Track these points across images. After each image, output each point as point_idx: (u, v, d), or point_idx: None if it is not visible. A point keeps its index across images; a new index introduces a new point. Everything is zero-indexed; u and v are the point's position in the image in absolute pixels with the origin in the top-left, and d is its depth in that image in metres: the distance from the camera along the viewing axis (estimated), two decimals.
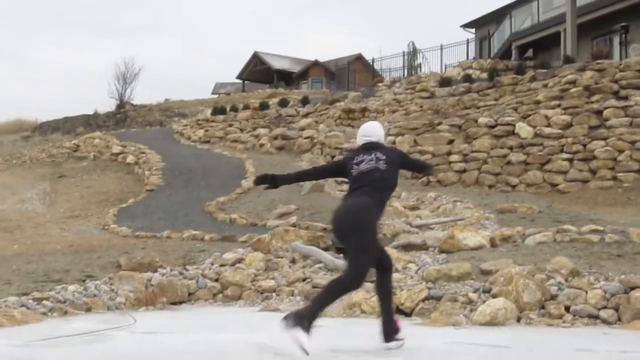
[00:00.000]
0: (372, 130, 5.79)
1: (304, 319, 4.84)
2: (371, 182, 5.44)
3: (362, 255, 5.19)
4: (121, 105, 39.59)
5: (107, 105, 40.76)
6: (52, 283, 8.49)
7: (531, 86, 20.53)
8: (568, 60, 21.29)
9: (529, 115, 18.17)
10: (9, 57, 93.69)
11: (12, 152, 28.98)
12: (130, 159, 24.01)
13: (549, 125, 17.67)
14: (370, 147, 5.65)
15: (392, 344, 5.45)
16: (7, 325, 6.53)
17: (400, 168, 5.77)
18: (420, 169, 6.54)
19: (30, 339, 5.67)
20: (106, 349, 5.34)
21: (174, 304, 8.83)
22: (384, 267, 5.58)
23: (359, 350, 5.22)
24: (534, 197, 15.64)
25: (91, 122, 36.07)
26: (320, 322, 6.36)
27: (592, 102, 17.80)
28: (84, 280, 8.75)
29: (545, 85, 19.77)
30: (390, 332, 5.46)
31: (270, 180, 5.80)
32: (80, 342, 5.61)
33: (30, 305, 7.40)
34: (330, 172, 6.33)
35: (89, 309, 7.84)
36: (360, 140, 5.79)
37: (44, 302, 7.57)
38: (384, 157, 5.54)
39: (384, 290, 5.59)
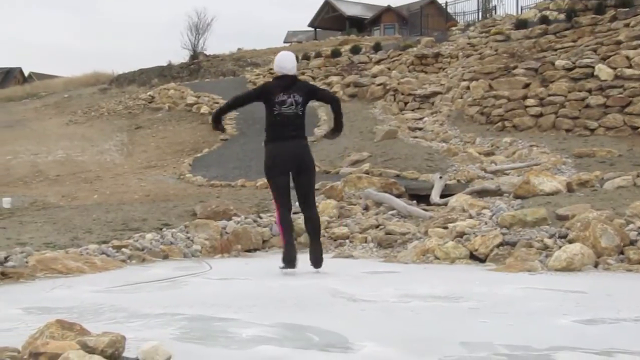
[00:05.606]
0: (290, 62, 6.69)
1: None
2: (296, 126, 6.54)
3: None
4: (194, 56, 39.90)
5: (180, 56, 41.20)
6: (130, 231, 8.70)
7: (611, 26, 19.74)
8: None
9: (609, 57, 17.52)
10: (77, 10, 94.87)
11: (90, 104, 29.60)
12: (204, 109, 24.26)
13: (630, 67, 17.01)
14: (288, 84, 6.52)
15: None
16: (88, 272, 6.73)
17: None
18: (327, 101, 7.13)
19: (110, 285, 5.84)
20: (183, 294, 5.45)
21: (249, 251, 8.94)
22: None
23: (431, 295, 5.20)
24: (613, 141, 15.20)
25: (165, 73, 36.49)
26: (395, 269, 6.39)
27: None
28: (160, 229, 8.95)
29: (627, 25, 18.99)
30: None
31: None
32: (158, 288, 5.75)
33: (110, 253, 7.60)
34: (253, 99, 6.96)
35: (165, 257, 8.01)
36: (278, 69, 6.67)
37: (123, 249, 7.76)
38: (300, 100, 6.49)
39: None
